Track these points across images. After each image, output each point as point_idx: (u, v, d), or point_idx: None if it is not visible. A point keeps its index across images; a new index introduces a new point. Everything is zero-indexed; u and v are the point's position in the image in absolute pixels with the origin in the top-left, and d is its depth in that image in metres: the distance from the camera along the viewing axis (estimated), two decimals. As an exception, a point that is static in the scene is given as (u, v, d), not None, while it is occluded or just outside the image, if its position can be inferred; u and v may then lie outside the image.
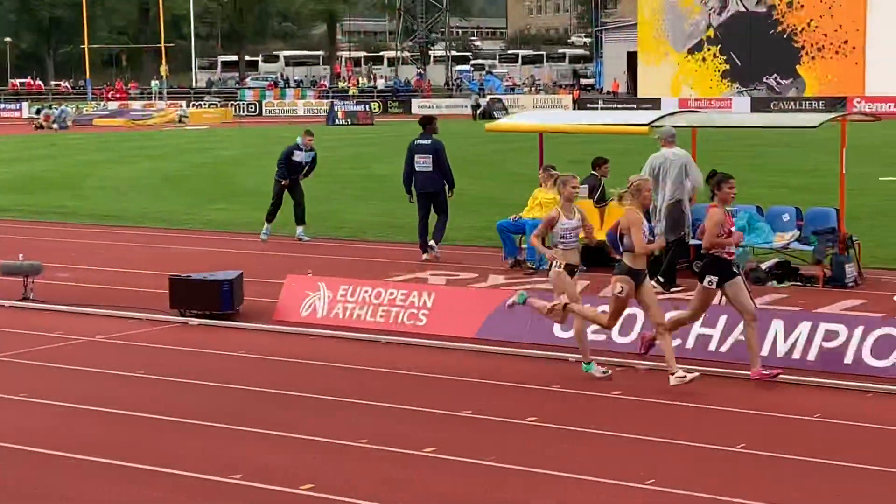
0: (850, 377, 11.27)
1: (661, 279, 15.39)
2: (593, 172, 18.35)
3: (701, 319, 12.27)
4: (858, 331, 11.65)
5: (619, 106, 73.78)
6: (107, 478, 8.67)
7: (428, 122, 19.13)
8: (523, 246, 17.60)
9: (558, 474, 8.64)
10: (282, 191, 20.96)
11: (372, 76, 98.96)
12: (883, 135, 45.18)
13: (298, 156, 21.14)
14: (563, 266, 11.65)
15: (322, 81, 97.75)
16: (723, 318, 12.29)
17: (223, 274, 14.75)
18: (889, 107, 68.64)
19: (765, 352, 11.87)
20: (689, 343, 12.26)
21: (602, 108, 70.47)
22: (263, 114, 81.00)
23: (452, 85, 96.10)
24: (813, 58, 76.03)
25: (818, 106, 67.66)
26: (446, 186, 18.77)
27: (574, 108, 73.35)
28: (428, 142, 18.73)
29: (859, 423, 9.92)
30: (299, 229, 21.08)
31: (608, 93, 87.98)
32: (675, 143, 15.83)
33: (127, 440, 9.63)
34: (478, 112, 72.34)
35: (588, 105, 76.20)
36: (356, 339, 13.33)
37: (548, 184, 17.95)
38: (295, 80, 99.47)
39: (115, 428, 10.01)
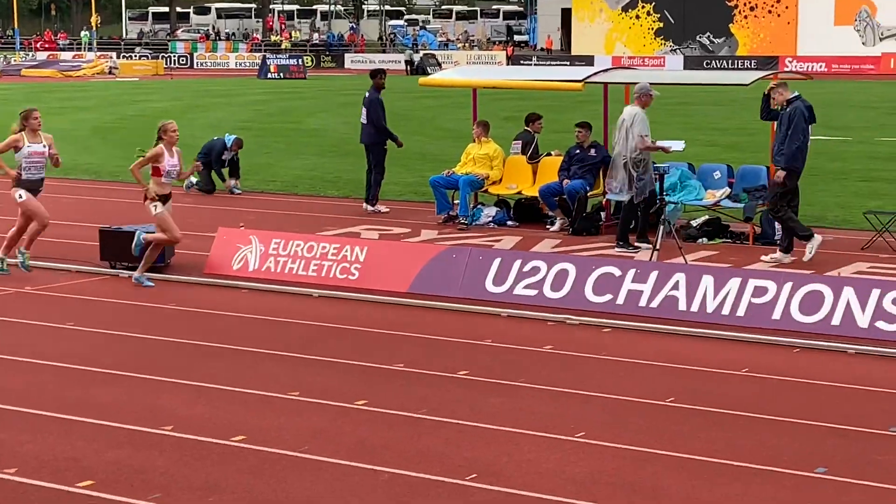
0: (778, 333, 11.43)
1: (621, 243, 15.37)
2: (526, 128, 18.40)
3: (632, 276, 12.41)
4: (787, 287, 11.80)
5: (552, 63, 73.85)
6: (36, 429, 8.59)
7: (372, 76, 19.15)
8: (456, 201, 17.63)
9: (489, 427, 8.69)
10: (209, 173, 20.92)
11: (315, 29, 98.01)
12: (814, 94, 45.57)
13: (226, 155, 21.05)
14: None
15: (254, 35, 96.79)
16: (653, 275, 12.40)
17: (154, 226, 14.60)
18: (821, 66, 69.36)
19: (694, 307, 12.01)
20: (620, 299, 12.35)
21: (536, 65, 70.56)
22: (195, 66, 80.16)
23: (386, 40, 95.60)
24: (746, 17, 76.52)
25: (751, 65, 68.20)
26: (387, 142, 18.77)
27: (508, 65, 73.35)
28: (367, 94, 18.81)
29: (786, 378, 10.06)
30: (231, 181, 20.96)
31: (542, 49, 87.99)
32: (639, 101, 15.54)
33: (57, 392, 9.54)
34: (411, 67, 72.13)
35: (522, 61, 76.27)
36: (288, 292, 13.29)
37: (481, 139, 17.99)
38: (227, 33, 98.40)
39: (45, 379, 9.91)
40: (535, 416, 8.96)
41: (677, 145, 15.85)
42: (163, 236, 13.53)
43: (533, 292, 12.73)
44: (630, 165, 15.24)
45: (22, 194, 13.81)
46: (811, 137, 14.93)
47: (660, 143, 15.65)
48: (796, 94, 14.74)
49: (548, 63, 73.84)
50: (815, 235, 14.64)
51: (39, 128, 14.10)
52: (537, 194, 17.30)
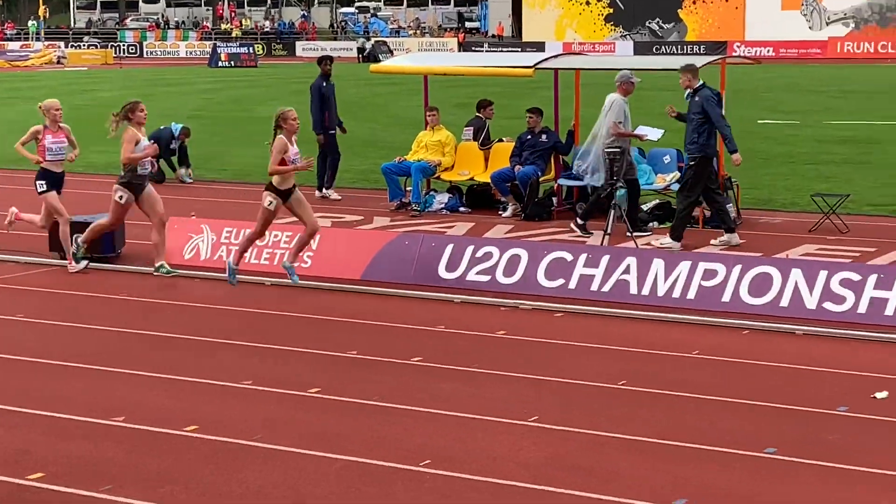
0: (728, 315, 11.53)
1: (581, 222, 15.40)
2: (478, 115, 18.42)
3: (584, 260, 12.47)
4: (736, 270, 11.90)
5: (504, 49, 73.91)
6: (-15, 423, 8.52)
7: (318, 63, 19.22)
8: (408, 188, 17.63)
9: (443, 413, 8.71)
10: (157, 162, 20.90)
11: (270, 17, 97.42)
12: (763, 79, 45.99)
13: (174, 144, 20.99)
14: None
15: (205, 23, 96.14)
16: (605, 259, 12.46)
17: (104, 216, 14.50)
18: (768, 51, 69.83)
19: (645, 291, 12.08)
20: (572, 284, 12.40)
21: (487, 52, 70.61)
22: (145, 55, 79.61)
23: (337, 27, 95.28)
24: (694, 2, 76.88)
25: (699, 50, 68.54)
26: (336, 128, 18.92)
27: (459, 51, 73.36)
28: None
29: (736, 360, 10.15)
30: (182, 170, 20.84)
31: (493, 36, 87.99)
32: (620, 89, 15.62)
33: (6, 383, 9.46)
34: (363, 55, 72.00)
35: (473, 48, 76.30)
36: (240, 280, 13.22)
37: (434, 126, 17.99)
38: (176, 22, 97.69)
39: (-6, 373, 9.83)
40: (489, 402, 8.98)
41: (654, 133, 15.90)
42: (255, 231, 12.75)
43: (486, 278, 12.76)
44: (604, 152, 15.33)
45: (123, 196, 13.13)
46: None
47: (637, 131, 15.73)
48: (702, 82, 14.82)
49: (499, 49, 73.86)
50: (678, 244, 14.48)
51: (145, 122, 13.34)
52: (489, 180, 17.32)
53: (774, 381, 9.59)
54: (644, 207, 16.52)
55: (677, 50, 71.83)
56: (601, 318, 11.63)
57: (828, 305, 11.39)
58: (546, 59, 17.77)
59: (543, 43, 73.44)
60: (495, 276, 12.72)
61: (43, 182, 13.91)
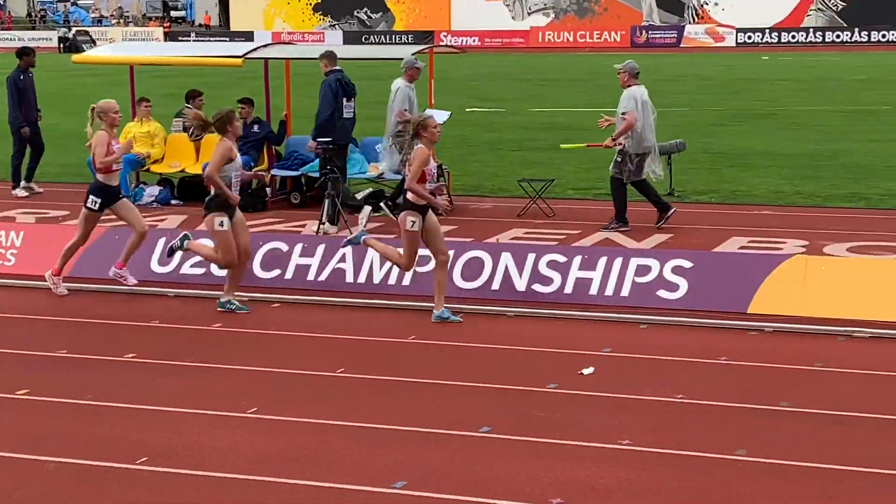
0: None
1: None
2: (187, 105, 18.13)
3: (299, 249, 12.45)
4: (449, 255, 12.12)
5: (212, 39, 73.00)
6: None
7: (19, 55, 18.58)
8: (117, 181, 17.20)
9: (158, 409, 8.55)
10: None
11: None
12: (469, 67, 47.05)
13: None
14: None
15: None
16: (321, 248, 12.50)
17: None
18: (474, 40, 71.49)
19: (361, 279, 12.18)
20: (289, 274, 12.38)
21: (195, 41, 69.57)
22: None
23: (35, 16, 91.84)
24: (402, -8, 77.91)
25: (408, 39, 69.54)
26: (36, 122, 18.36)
27: (166, 41, 72.01)
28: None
29: (451, 343, 10.35)
30: None
31: (200, 25, 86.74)
32: (406, 75, 15.72)
33: None
34: (65, 45, 69.80)
35: (180, 38, 75.04)
36: (-61, 282, 12.64)
37: (142, 117, 17.60)
38: None
39: None
40: (206, 395, 8.88)
41: (441, 116, 16.01)
42: (396, 255, 11.27)
43: (200, 270, 12.59)
44: (392, 140, 15.43)
45: (224, 223, 11.20)
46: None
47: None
48: (338, 68, 15.16)
49: (207, 39, 72.91)
50: (366, 208, 14.78)
51: (241, 133, 11.24)
52: (201, 172, 17.07)
53: (488, 362, 9.84)
54: (358, 196, 16.65)
55: (386, 39, 72.71)
56: (318, 307, 11.66)
57: (537, 287, 11.77)
58: (255, 49, 17.67)
59: (252, 32, 72.94)
60: (210, 269, 12.56)
61: (97, 200, 12.25)
